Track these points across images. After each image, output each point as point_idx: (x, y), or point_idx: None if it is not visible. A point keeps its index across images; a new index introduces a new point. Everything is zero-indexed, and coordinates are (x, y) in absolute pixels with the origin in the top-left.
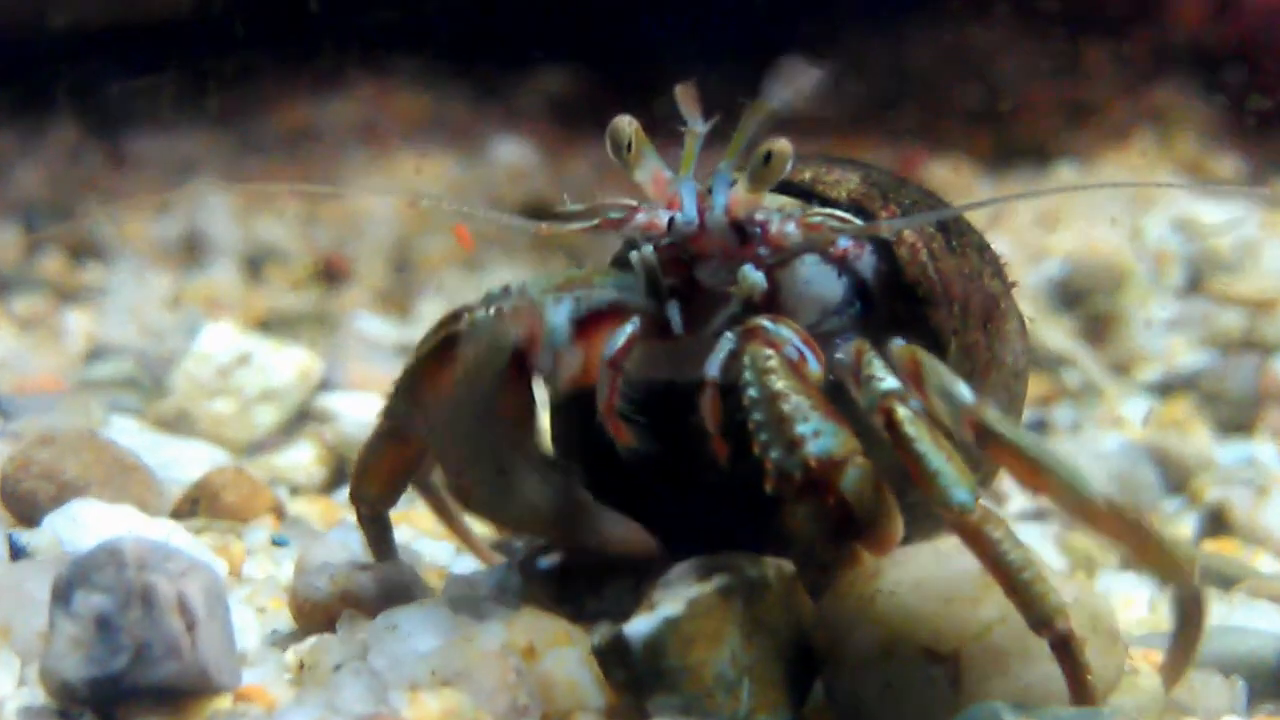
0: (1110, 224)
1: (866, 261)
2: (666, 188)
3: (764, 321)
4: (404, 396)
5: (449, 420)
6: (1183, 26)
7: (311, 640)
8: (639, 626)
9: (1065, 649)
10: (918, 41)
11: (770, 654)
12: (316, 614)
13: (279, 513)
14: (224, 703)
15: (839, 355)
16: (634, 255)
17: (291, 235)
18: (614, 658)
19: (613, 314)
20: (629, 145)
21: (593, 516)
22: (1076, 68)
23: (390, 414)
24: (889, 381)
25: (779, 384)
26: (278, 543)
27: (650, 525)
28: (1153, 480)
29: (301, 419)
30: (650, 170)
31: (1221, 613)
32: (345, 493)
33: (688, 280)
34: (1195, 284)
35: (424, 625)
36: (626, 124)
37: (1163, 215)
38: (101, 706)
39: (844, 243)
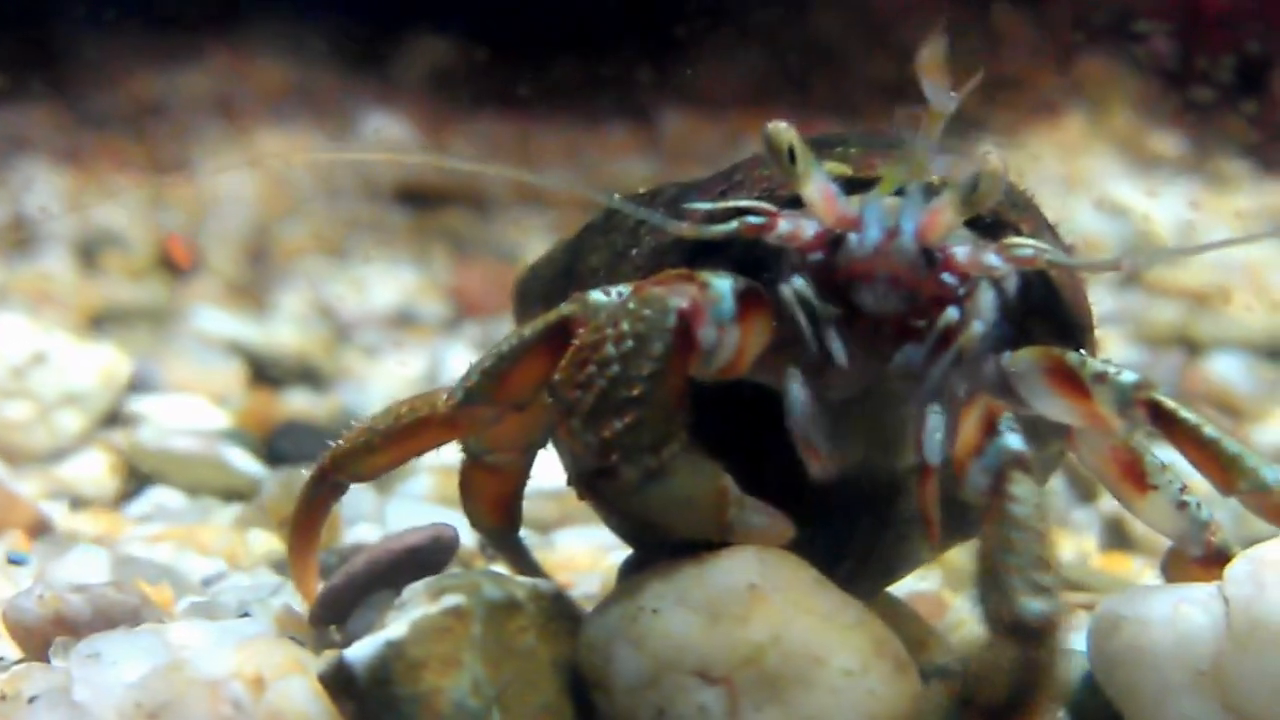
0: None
1: (1011, 281)
2: (839, 206)
3: (1026, 448)
4: (486, 387)
5: (599, 397)
6: None
7: (18, 668)
8: (361, 651)
9: None
10: (825, 10)
11: (529, 681)
12: (32, 639)
13: (39, 528)
14: None
15: (989, 372)
16: (785, 289)
17: (133, 220)
18: (339, 686)
19: (761, 302)
20: (791, 154)
21: (738, 507)
22: (993, 36)
23: (465, 416)
24: (1130, 374)
25: (1045, 526)
26: (15, 561)
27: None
28: (1059, 489)
29: (112, 424)
30: (819, 185)
31: None
32: (136, 506)
33: (844, 304)
34: (1132, 276)
35: (132, 652)
36: (784, 130)
37: (1091, 197)
38: None
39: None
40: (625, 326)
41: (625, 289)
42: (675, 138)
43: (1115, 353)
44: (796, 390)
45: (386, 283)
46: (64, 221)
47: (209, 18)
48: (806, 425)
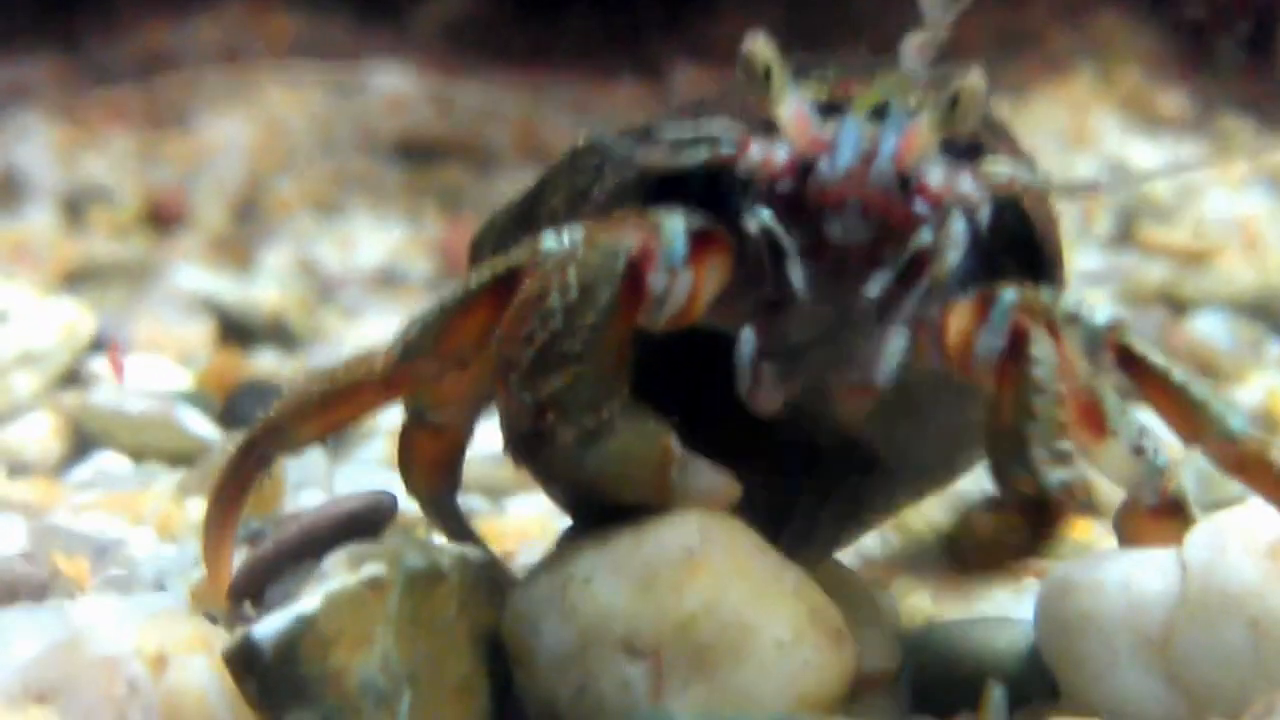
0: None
1: (984, 211)
2: (811, 129)
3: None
4: (427, 341)
5: (538, 353)
6: None
7: None
8: (270, 627)
9: None
10: None
11: (443, 658)
12: None
13: None
14: None
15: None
16: (750, 221)
17: (122, 173)
18: (244, 665)
19: (718, 242)
20: (767, 73)
21: (682, 468)
22: None
23: (404, 374)
24: (1102, 314)
25: (1066, 387)
26: None
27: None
28: None
29: (70, 384)
30: (794, 106)
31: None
32: (79, 472)
33: (811, 235)
34: (1126, 233)
35: (27, 629)
36: (763, 46)
37: (1096, 156)
38: None
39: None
40: (571, 275)
41: (579, 230)
42: (685, 92)
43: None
44: (748, 333)
45: (375, 240)
46: (53, 175)
47: None
48: (756, 365)
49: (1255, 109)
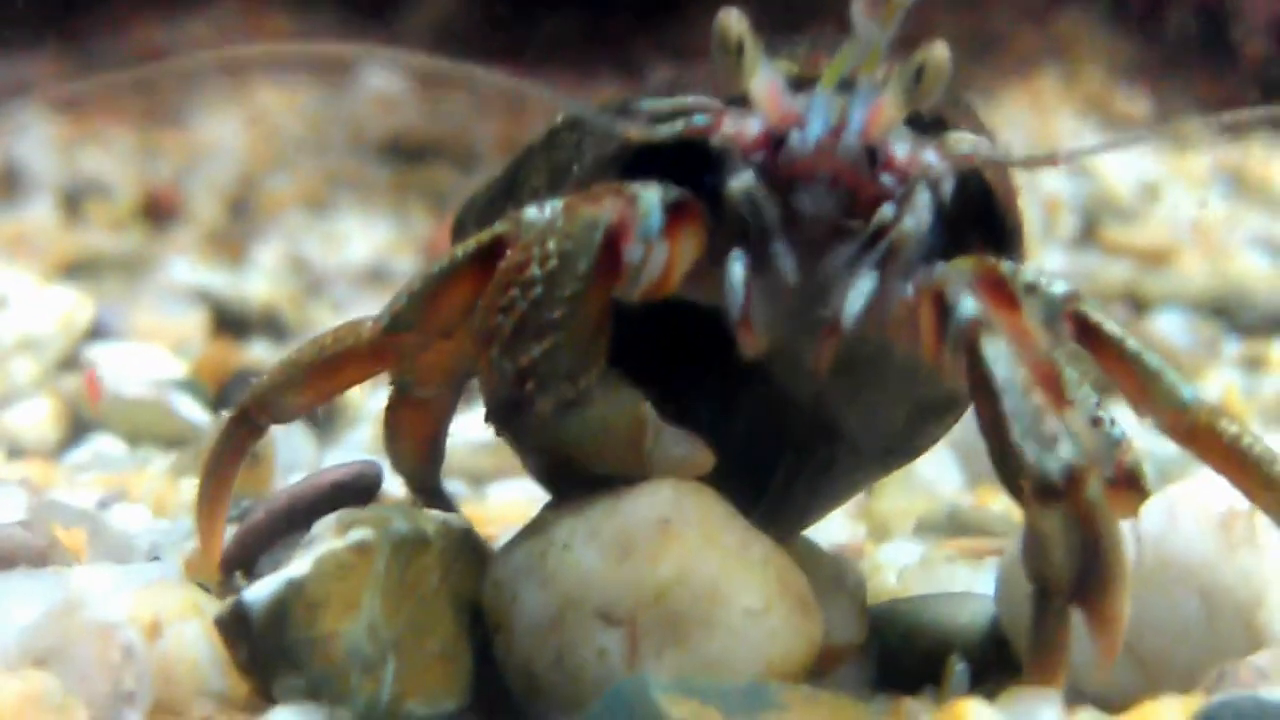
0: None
1: (947, 183)
2: (783, 102)
3: (982, 308)
4: (413, 312)
5: (518, 323)
6: None
7: None
8: (260, 591)
9: None
10: None
11: (426, 625)
12: None
13: None
14: None
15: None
16: (733, 185)
17: (120, 168)
18: (235, 630)
19: (693, 213)
20: (739, 46)
21: (657, 436)
22: None
23: (391, 344)
24: (1060, 284)
25: (1027, 375)
26: None
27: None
28: None
29: (67, 370)
30: (766, 80)
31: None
32: (76, 455)
33: (782, 206)
34: (1088, 233)
35: (30, 594)
36: (735, 20)
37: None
38: None
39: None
40: (551, 245)
41: (559, 203)
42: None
43: None
44: (738, 270)
45: (363, 237)
46: (52, 169)
47: None
48: (745, 302)
49: (1215, 110)
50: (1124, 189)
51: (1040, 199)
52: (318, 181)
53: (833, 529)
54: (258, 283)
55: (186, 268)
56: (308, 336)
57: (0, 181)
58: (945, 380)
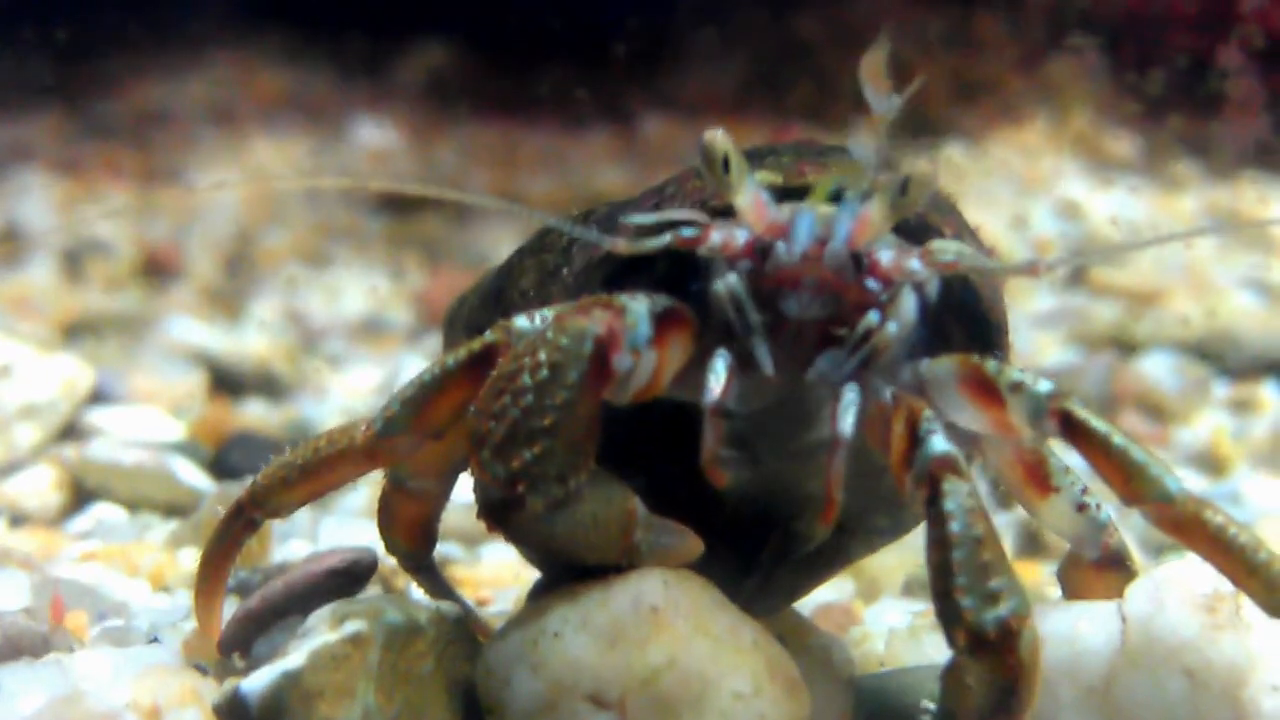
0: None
1: (933, 284)
2: (768, 214)
3: (950, 448)
4: (406, 418)
5: (510, 428)
6: None
7: None
8: (257, 682)
9: None
10: (804, 16)
11: (421, 709)
12: None
13: None
14: None
15: (905, 376)
16: (718, 286)
17: (120, 227)
18: (233, 718)
19: (681, 321)
20: (725, 163)
21: (646, 528)
22: (969, 40)
23: (384, 447)
24: (1045, 383)
25: (982, 528)
26: None
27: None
28: (983, 492)
29: (68, 437)
30: (751, 194)
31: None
32: (78, 523)
33: (768, 311)
34: (1077, 275)
35: (32, 683)
36: (721, 139)
37: (1049, 200)
38: None
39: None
40: (542, 356)
41: (549, 314)
42: (655, 142)
43: (1053, 353)
44: (721, 366)
45: (359, 290)
46: (53, 228)
47: (215, 27)
48: (723, 395)
49: (1203, 152)
50: (1113, 230)
51: (1029, 240)
52: (313, 235)
53: (821, 588)
54: (254, 338)
55: (184, 325)
56: (303, 397)
57: (3, 241)
58: (904, 497)
